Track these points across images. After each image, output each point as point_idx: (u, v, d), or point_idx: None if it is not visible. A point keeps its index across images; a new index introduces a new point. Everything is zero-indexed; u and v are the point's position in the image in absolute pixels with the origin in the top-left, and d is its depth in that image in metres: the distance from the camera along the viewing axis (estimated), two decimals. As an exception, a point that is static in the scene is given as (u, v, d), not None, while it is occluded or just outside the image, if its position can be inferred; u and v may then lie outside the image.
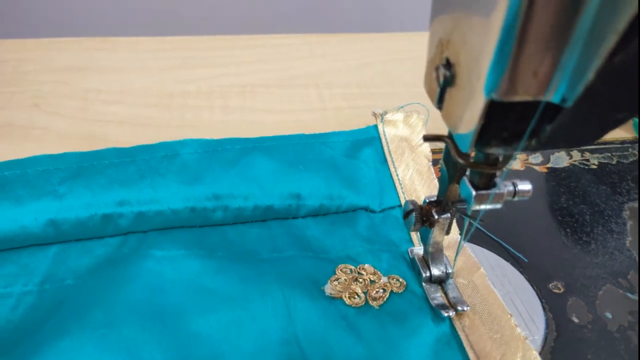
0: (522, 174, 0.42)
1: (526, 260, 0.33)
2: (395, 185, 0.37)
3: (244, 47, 0.62)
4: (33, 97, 0.49)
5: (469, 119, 0.19)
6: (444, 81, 0.21)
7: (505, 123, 0.19)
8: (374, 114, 0.42)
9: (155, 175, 0.34)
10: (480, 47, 0.17)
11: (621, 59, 0.15)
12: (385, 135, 0.40)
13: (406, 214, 0.29)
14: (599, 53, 0.15)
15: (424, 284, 0.30)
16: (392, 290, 0.30)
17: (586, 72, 0.16)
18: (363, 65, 0.60)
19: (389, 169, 0.38)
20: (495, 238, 0.34)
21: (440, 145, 0.31)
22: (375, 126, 0.41)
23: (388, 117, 0.41)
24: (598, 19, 0.15)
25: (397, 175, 0.38)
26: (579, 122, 0.19)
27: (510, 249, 0.34)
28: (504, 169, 0.23)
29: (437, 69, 0.22)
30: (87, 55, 0.57)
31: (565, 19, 0.15)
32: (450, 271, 0.30)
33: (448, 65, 0.21)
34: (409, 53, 0.62)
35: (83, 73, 0.53)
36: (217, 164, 0.35)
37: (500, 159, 0.22)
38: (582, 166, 0.43)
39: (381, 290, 0.30)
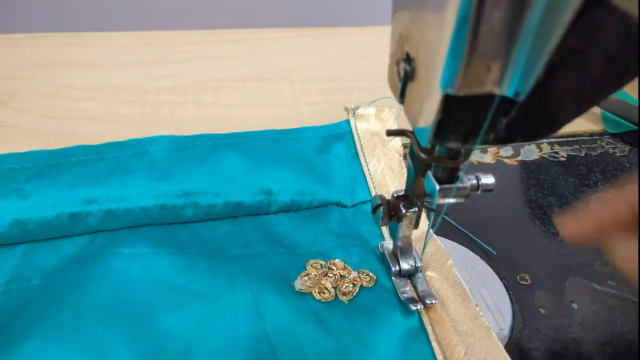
0: (493, 167, 0.42)
1: (494, 253, 0.34)
2: (366, 180, 0.37)
3: (220, 41, 0.61)
4: (1, 94, 0.48)
5: (428, 114, 0.20)
6: (404, 75, 0.21)
7: (462, 117, 0.19)
8: (346, 109, 0.42)
9: (125, 172, 0.33)
10: (436, 42, 0.18)
11: (567, 55, 0.16)
12: (357, 129, 0.40)
13: (374, 209, 0.29)
14: (547, 48, 0.16)
15: (393, 278, 0.31)
16: (361, 285, 0.30)
17: (536, 66, 0.16)
18: (339, 59, 0.60)
19: (360, 163, 0.38)
20: (465, 230, 0.35)
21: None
22: (347, 121, 0.41)
23: (360, 111, 0.41)
24: (545, 14, 0.15)
25: (369, 169, 0.38)
26: (533, 116, 0.19)
27: (479, 241, 0.34)
28: (465, 162, 0.23)
29: (397, 63, 0.22)
30: (60, 50, 0.56)
31: (515, 14, 0.15)
32: (419, 265, 0.30)
33: (408, 59, 0.21)
34: (386, 47, 0.62)
35: (55, 69, 0.53)
36: (187, 160, 0.35)
37: (462, 152, 0.23)
38: (551, 159, 0.44)
39: (351, 285, 0.30)
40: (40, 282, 0.29)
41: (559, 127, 0.20)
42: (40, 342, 0.24)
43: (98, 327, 0.25)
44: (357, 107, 0.42)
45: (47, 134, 0.43)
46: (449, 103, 0.18)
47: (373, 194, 0.37)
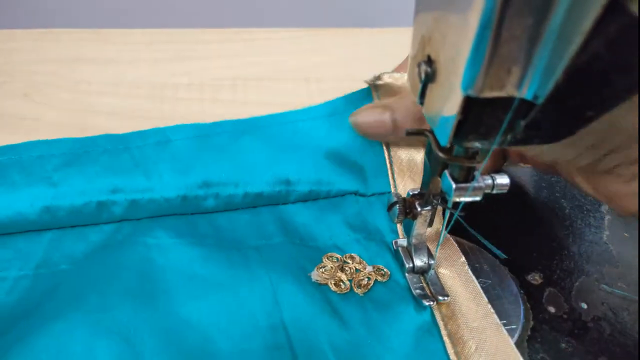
0: (505, 169, 0.43)
1: (504, 257, 0.34)
2: (387, 171, 0.37)
3: (237, 40, 0.62)
4: (24, 87, 0.49)
5: (448, 114, 0.20)
6: (425, 77, 0.22)
7: (481, 118, 0.20)
8: (367, 82, 0.38)
9: (149, 164, 0.34)
10: (458, 45, 0.18)
11: (586, 59, 0.16)
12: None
13: (390, 206, 0.30)
14: (567, 52, 0.16)
15: (407, 274, 0.31)
16: (376, 279, 0.31)
17: (556, 71, 0.17)
18: (354, 59, 0.60)
19: (383, 151, 0.37)
20: (476, 233, 0.35)
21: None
22: (369, 89, 0.38)
23: (385, 78, 0.36)
24: (566, 19, 0.16)
25: (391, 160, 0.37)
26: (551, 119, 0.19)
27: (488, 243, 0.35)
28: (483, 162, 0.23)
29: (419, 65, 0.22)
30: (80, 46, 0.57)
31: (537, 20, 0.16)
32: (432, 262, 0.31)
33: (429, 61, 0.22)
34: (400, 48, 0.62)
35: (75, 64, 0.54)
36: (208, 150, 0.35)
37: (479, 153, 0.23)
38: (564, 162, 0.44)
39: (366, 279, 0.31)
40: (69, 267, 0.30)
41: (576, 130, 0.20)
42: (68, 324, 0.25)
43: (124, 313, 0.26)
44: (378, 78, 0.37)
45: (68, 127, 0.44)
46: (469, 104, 0.19)
47: (392, 185, 0.36)
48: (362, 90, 0.38)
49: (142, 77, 0.53)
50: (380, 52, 0.63)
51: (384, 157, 0.37)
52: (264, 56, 0.59)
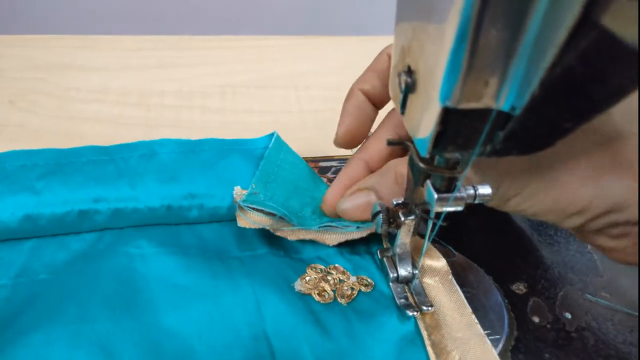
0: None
1: (455, 254, 0.34)
2: None
3: (226, 47, 0.62)
4: (9, 94, 0.49)
5: (427, 125, 0.20)
6: (405, 87, 0.22)
7: (460, 129, 0.20)
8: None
9: (133, 174, 0.34)
10: (436, 56, 0.18)
11: (562, 72, 0.16)
12: None
13: (374, 216, 0.30)
14: (542, 65, 0.16)
15: (391, 284, 0.31)
16: (360, 290, 0.31)
17: (532, 82, 0.17)
18: (343, 67, 0.60)
19: None
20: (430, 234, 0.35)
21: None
22: None
23: None
24: (541, 32, 0.16)
25: None
26: (528, 130, 0.20)
27: (443, 243, 0.34)
28: (463, 173, 0.23)
29: (399, 75, 0.22)
30: (68, 53, 0.57)
31: (512, 32, 0.16)
32: (416, 272, 0.31)
33: (409, 72, 0.22)
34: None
35: (63, 71, 0.53)
36: (194, 164, 0.35)
37: (460, 163, 0.23)
38: (550, 171, 0.44)
39: (350, 289, 0.31)
40: (48, 277, 0.29)
41: (554, 142, 0.20)
42: (47, 335, 0.25)
43: (103, 323, 0.26)
44: None
45: (53, 135, 0.44)
46: (447, 115, 0.19)
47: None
48: None
49: (130, 84, 0.52)
50: (369, 60, 0.63)
51: None
52: (252, 64, 0.59)
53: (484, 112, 0.19)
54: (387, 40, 0.67)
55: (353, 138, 0.35)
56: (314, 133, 0.48)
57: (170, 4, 0.91)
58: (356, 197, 0.32)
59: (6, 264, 0.30)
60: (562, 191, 0.26)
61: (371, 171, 0.34)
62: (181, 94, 0.52)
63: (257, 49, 0.62)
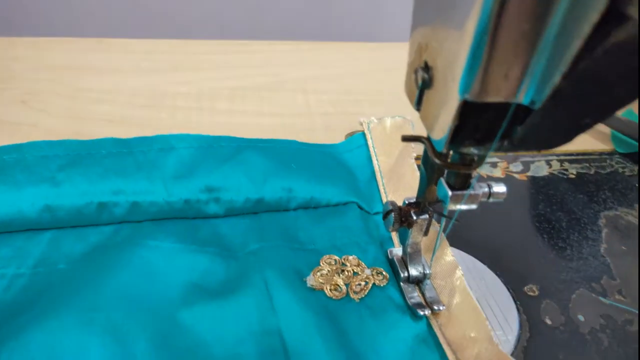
0: (503, 181, 0.43)
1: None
2: (380, 192, 0.38)
3: (236, 52, 0.62)
4: (22, 94, 0.49)
5: (444, 119, 0.20)
6: (422, 83, 0.22)
7: (478, 124, 0.20)
8: (361, 123, 0.43)
9: (152, 167, 0.34)
10: (456, 51, 0.18)
11: (585, 66, 0.16)
12: (372, 141, 0.41)
13: (385, 214, 0.30)
14: (565, 58, 0.16)
15: (402, 283, 0.31)
16: (374, 284, 0.31)
17: (553, 76, 0.17)
18: (352, 73, 0.61)
19: (375, 175, 0.39)
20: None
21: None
22: (363, 134, 0.42)
23: (375, 124, 0.42)
24: (564, 26, 0.16)
25: (382, 182, 0.39)
26: (547, 125, 0.19)
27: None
28: (478, 169, 0.23)
29: (416, 71, 0.22)
30: (81, 55, 0.58)
31: (534, 26, 0.16)
32: (427, 272, 0.31)
33: (426, 68, 0.22)
34: (399, 63, 0.63)
35: (75, 72, 0.54)
36: (212, 158, 0.36)
37: (475, 160, 0.23)
38: (561, 175, 0.44)
39: (363, 283, 0.30)
40: (66, 267, 0.30)
41: (572, 137, 0.20)
42: (62, 321, 0.25)
43: (119, 313, 0.26)
44: (372, 121, 0.42)
45: (65, 135, 0.44)
46: (465, 109, 0.19)
47: (383, 194, 0.37)
48: (357, 135, 0.43)
49: (142, 86, 0.53)
50: (379, 66, 0.63)
51: (377, 181, 0.39)
52: (263, 68, 0.59)
53: (503, 106, 0.19)
54: (394, 47, 0.67)
55: None
56: (322, 135, 0.48)
57: (182, 9, 0.92)
58: None
59: (25, 254, 0.30)
60: None
61: None
62: (191, 97, 0.52)
63: (267, 54, 0.63)
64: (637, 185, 0.44)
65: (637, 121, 0.48)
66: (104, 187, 0.32)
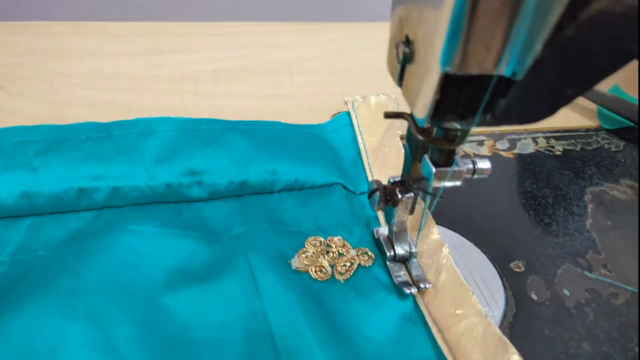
0: (490, 159, 0.42)
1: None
2: (365, 170, 0.38)
3: (219, 33, 0.61)
4: (-1, 79, 0.48)
5: (426, 94, 0.20)
6: (403, 58, 0.21)
7: (460, 97, 0.20)
8: (346, 102, 0.42)
9: (132, 151, 0.33)
10: (435, 22, 0.18)
11: (566, 34, 0.16)
12: (357, 121, 0.41)
13: (370, 193, 0.30)
14: (546, 27, 0.16)
15: (388, 262, 0.31)
16: (359, 264, 0.30)
17: (534, 46, 0.17)
18: (337, 53, 0.60)
19: (361, 154, 0.39)
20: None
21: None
22: (347, 113, 0.42)
23: (359, 103, 0.42)
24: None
25: (368, 160, 0.38)
26: (530, 97, 0.19)
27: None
28: (461, 145, 0.23)
29: (397, 46, 0.22)
30: (58, 39, 0.56)
31: (514, -7, 0.16)
32: (414, 250, 0.31)
33: (407, 42, 0.21)
34: (383, 42, 0.62)
35: (53, 56, 0.52)
36: (193, 141, 0.35)
37: (458, 135, 0.23)
38: (547, 152, 0.44)
39: (348, 264, 0.30)
40: (46, 253, 0.29)
41: (556, 110, 0.20)
42: (41, 307, 0.24)
43: (99, 299, 0.25)
44: (356, 99, 0.42)
45: (44, 120, 0.43)
46: (447, 82, 0.19)
47: (368, 173, 0.37)
48: (342, 114, 0.42)
49: (122, 69, 0.52)
50: (364, 46, 0.62)
51: (362, 160, 0.39)
52: (246, 49, 0.58)
53: (485, 79, 0.18)
54: (378, 26, 0.66)
55: None
56: (308, 116, 0.47)
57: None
58: None
59: (4, 241, 0.30)
60: None
61: None
62: (173, 80, 0.51)
63: (250, 35, 0.61)
64: (622, 160, 0.44)
65: (623, 97, 0.48)
66: (84, 172, 0.32)
